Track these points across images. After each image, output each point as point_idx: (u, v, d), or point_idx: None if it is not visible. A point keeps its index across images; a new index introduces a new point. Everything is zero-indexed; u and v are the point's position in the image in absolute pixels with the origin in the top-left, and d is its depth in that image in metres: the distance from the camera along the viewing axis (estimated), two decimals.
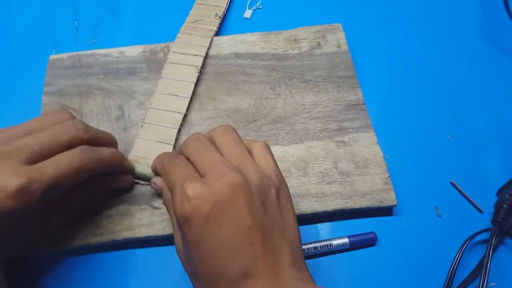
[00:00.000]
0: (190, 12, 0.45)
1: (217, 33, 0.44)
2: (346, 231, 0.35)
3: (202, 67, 0.41)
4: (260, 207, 0.25)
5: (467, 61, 0.44)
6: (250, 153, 0.28)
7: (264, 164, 0.28)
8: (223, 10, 0.45)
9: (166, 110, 0.38)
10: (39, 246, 0.33)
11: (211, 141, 0.29)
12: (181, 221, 0.25)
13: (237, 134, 0.29)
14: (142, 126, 0.38)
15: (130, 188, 0.35)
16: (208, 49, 0.42)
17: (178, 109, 0.39)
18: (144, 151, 0.36)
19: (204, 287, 0.25)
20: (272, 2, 0.49)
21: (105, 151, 0.31)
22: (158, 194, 0.35)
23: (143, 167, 0.35)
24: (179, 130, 0.38)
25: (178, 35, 0.43)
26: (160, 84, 0.40)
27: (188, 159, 0.28)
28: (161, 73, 0.40)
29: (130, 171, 0.35)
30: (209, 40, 0.42)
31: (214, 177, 0.25)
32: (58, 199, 0.29)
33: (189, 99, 0.39)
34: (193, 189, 0.24)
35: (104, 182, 0.33)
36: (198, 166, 0.27)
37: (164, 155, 0.31)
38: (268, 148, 0.29)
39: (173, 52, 0.42)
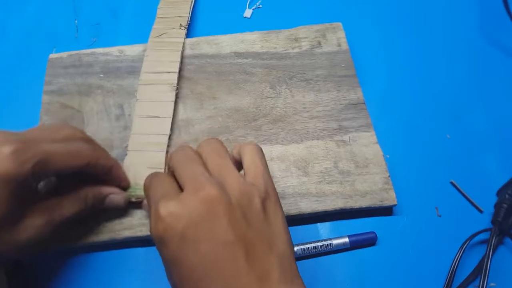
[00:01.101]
0: (153, 26, 0.43)
1: (183, 46, 0.42)
2: (346, 231, 0.35)
3: (178, 83, 0.39)
4: (241, 219, 0.24)
5: (467, 61, 0.44)
6: (241, 156, 0.28)
7: (252, 169, 0.27)
8: (187, 19, 0.44)
9: (149, 134, 0.36)
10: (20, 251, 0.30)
11: (197, 153, 0.28)
12: (156, 242, 0.24)
13: (221, 145, 0.28)
14: (126, 154, 0.36)
15: (122, 213, 0.34)
16: (181, 63, 0.40)
17: (162, 131, 0.37)
18: (133, 178, 0.34)
19: None
20: (272, 1, 0.49)
21: (101, 151, 0.31)
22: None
23: (137, 188, 0.34)
24: (167, 152, 0.36)
25: (146, 53, 0.41)
26: (137, 108, 0.38)
27: (173, 172, 0.28)
28: (135, 96, 0.39)
29: (124, 185, 0.33)
30: (179, 54, 0.41)
31: (190, 191, 0.24)
32: (39, 197, 0.28)
33: (171, 119, 0.37)
34: (166, 208, 0.24)
35: (96, 191, 0.31)
36: (179, 179, 0.26)
37: (151, 174, 0.29)
38: (259, 151, 0.28)
39: (145, 72, 0.40)
